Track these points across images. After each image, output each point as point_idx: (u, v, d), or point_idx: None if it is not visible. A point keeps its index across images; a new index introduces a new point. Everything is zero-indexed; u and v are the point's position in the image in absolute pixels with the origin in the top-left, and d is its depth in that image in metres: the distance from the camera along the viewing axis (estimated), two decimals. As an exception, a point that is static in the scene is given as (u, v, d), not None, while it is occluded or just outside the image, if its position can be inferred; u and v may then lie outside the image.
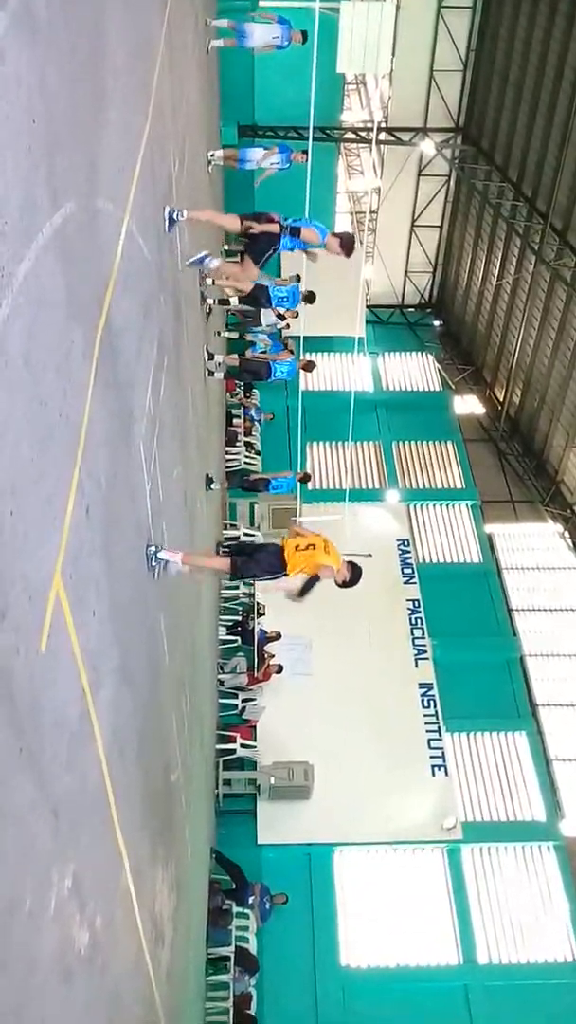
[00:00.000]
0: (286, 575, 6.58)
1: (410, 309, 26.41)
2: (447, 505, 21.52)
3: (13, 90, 2.67)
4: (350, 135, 22.77)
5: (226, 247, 15.34)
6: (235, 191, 18.34)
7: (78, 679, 3.49)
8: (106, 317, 4.16)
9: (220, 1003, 12.19)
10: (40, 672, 2.94)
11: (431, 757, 16.54)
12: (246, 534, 17.71)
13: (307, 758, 15.40)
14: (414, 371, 25.09)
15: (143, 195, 5.42)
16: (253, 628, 16.75)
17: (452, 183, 23.83)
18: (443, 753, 16.63)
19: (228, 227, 8.78)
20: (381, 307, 26.08)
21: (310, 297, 14.97)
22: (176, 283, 7.63)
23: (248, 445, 20.17)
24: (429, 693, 17.44)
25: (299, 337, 15.70)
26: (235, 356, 14.97)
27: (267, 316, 16.29)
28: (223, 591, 17.35)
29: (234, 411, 20.65)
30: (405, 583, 19.36)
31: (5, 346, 2.59)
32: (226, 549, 8.64)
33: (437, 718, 17.08)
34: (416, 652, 18.10)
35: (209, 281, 11.13)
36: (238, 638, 16.93)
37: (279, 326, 17.20)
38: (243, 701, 16.13)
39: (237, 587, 17.56)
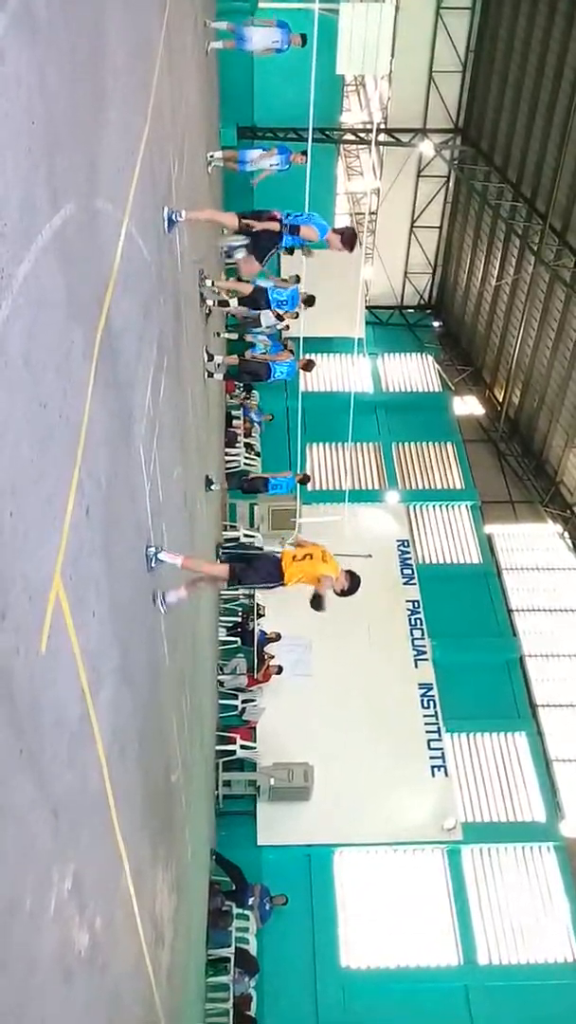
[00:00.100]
0: (283, 584, 6.63)
1: (409, 310, 26.42)
2: (447, 506, 21.53)
3: (13, 90, 2.67)
4: (349, 136, 22.78)
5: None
6: (234, 192, 18.34)
7: (78, 679, 3.49)
8: (106, 318, 4.17)
9: (220, 1004, 12.20)
10: (40, 672, 2.94)
11: (431, 758, 16.54)
12: (246, 535, 17.72)
13: (307, 759, 15.40)
14: (414, 372, 25.08)
15: (143, 196, 5.42)
16: (253, 629, 16.76)
17: (451, 184, 23.83)
18: (443, 754, 16.62)
19: (227, 225, 8.78)
20: (381, 308, 26.08)
21: (310, 300, 14.97)
22: (176, 284, 7.64)
23: (248, 446, 20.16)
24: (429, 694, 17.44)
25: (299, 338, 15.70)
26: (235, 357, 14.97)
27: (266, 318, 16.28)
28: (223, 592, 17.32)
29: (234, 412, 20.63)
30: (405, 584, 19.37)
31: (5, 347, 2.59)
32: (225, 554, 8.67)
33: (437, 719, 17.07)
34: (416, 653, 18.10)
35: (208, 283, 11.14)
36: (238, 639, 16.94)
37: (278, 327, 17.20)
38: (243, 702, 16.13)
39: (236, 588, 17.50)
